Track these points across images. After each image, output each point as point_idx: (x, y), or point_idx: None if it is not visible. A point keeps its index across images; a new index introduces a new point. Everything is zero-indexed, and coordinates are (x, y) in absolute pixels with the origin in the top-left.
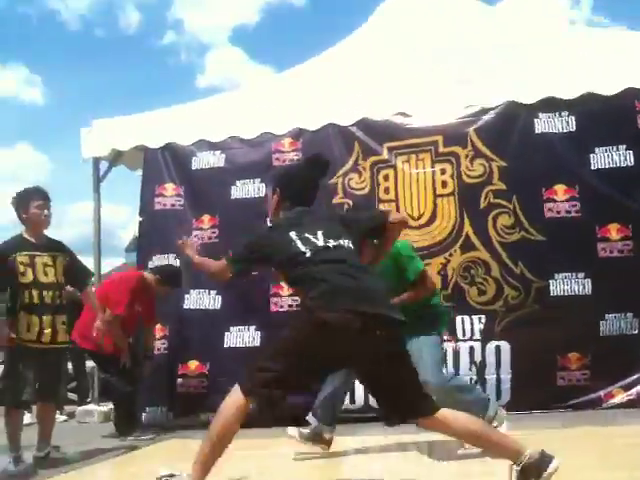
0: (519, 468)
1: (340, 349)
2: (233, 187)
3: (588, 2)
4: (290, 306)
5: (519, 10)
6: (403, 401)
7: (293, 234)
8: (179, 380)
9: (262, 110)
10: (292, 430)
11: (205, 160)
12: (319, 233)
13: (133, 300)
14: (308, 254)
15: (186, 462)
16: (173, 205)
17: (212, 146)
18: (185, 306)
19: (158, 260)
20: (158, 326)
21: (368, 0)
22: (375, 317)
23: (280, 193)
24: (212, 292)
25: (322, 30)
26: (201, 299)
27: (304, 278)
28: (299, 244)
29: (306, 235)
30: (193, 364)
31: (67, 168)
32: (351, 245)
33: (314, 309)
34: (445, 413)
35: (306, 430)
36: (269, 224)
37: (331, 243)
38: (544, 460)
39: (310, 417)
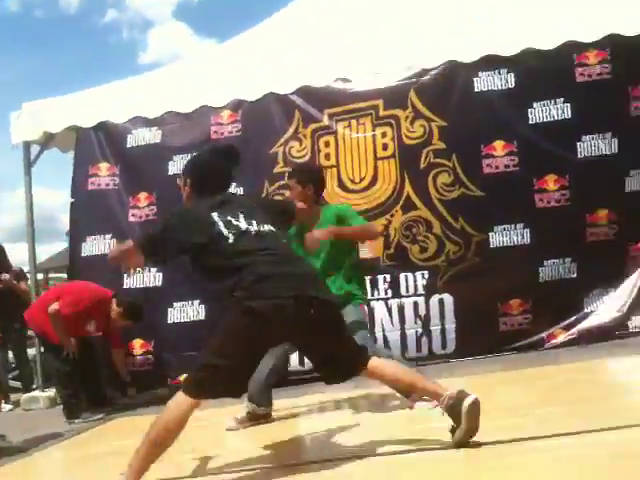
0: (443, 407)
1: (274, 333)
2: (170, 162)
3: None
4: None
5: None
6: (342, 363)
7: (215, 215)
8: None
9: (200, 83)
10: (229, 423)
11: (141, 137)
12: (241, 217)
13: (83, 311)
14: (231, 239)
15: (132, 439)
16: (107, 185)
17: (148, 122)
18: (125, 285)
19: (92, 241)
20: None
21: None
22: (306, 299)
23: (192, 183)
24: (152, 269)
25: (265, 0)
26: (141, 277)
27: (225, 268)
28: (221, 227)
29: (228, 218)
30: (138, 342)
31: (1, 155)
32: (273, 229)
33: (242, 300)
34: (375, 363)
35: (241, 415)
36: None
37: (253, 228)
38: (460, 397)
39: (247, 404)
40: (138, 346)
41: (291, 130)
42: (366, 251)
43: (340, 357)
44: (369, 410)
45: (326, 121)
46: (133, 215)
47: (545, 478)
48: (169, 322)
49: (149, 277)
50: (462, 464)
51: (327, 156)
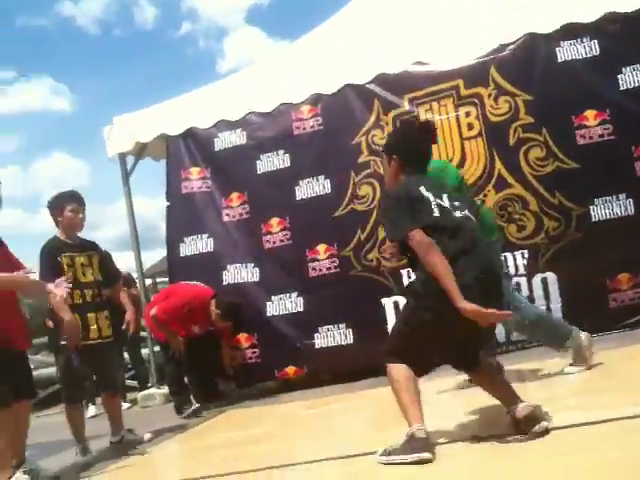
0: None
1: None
2: (258, 162)
3: None
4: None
5: None
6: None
7: (430, 196)
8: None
9: (277, 81)
10: None
11: (227, 140)
12: (446, 200)
13: (183, 315)
14: (445, 223)
15: (238, 432)
16: (200, 187)
17: (232, 125)
18: (224, 282)
19: (190, 242)
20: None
21: None
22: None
23: (401, 158)
24: (249, 265)
25: None
26: (239, 273)
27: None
28: (435, 210)
29: (439, 201)
30: (243, 336)
31: (102, 169)
32: (471, 215)
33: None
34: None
35: None
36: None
37: (459, 213)
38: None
39: None
40: (243, 340)
41: (372, 119)
42: None
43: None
44: None
45: (406, 106)
46: (227, 215)
47: None
48: (268, 315)
49: (247, 272)
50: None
51: None
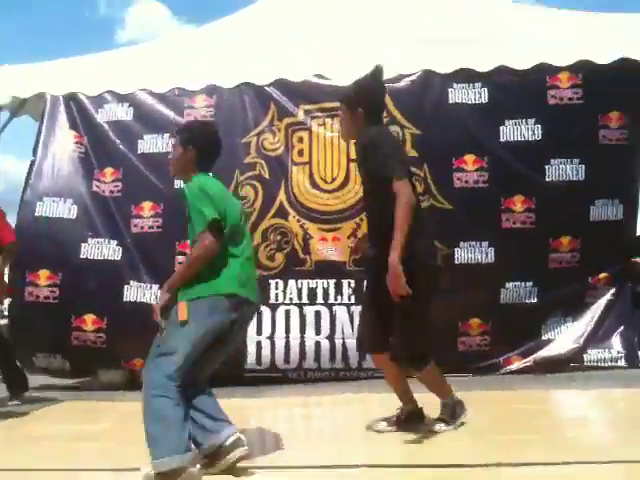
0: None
1: None
2: (140, 141)
3: None
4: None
5: None
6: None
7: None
8: (74, 333)
9: (176, 64)
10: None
11: (112, 112)
12: None
13: None
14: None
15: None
16: (73, 151)
17: (120, 98)
18: (82, 255)
19: (49, 203)
20: (47, 273)
21: None
22: None
23: (366, 108)
24: (112, 242)
25: None
26: (100, 249)
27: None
28: None
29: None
30: (90, 318)
31: None
32: None
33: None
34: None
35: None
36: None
37: None
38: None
39: None
40: (90, 322)
41: (266, 122)
42: (332, 252)
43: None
44: None
45: (301, 117)
46: (97, 187)
47: None
48: (125, 300)
49: (108, 249)
50: None
51: (300, 152)
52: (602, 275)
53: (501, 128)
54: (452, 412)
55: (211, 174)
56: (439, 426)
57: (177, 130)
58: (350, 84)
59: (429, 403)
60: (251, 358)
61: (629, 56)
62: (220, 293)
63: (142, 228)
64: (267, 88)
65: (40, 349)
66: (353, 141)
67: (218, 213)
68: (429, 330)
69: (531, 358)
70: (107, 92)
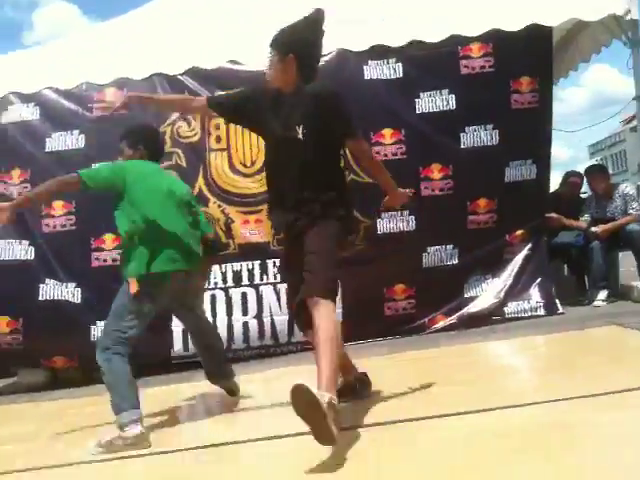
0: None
1: None
2: (48, 139)
3: None
4: (114, 260)
5: None
6: None
7: None
8: None
9: (84, 60)
10: None
11: (17, 113)
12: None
13: None
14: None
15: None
16: None
17: (25, 98)
18: None
19: None
20: None
21: None
22: None
23: (298, 59)
24: (24, 242)
25: None
26: (11, 249)
27: None
28: None
29: None
30: (4, 320)
31: None
32: None
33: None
34: None
35: None
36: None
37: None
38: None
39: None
40: (4, 324)
41: None
42: (255, 234)
43: None
44: None
45: None
46: (5, 189)
47: (432, 456)
48: (40, 299)
49: (20, 250)
50: (351, 443)
51: (218, 139)
52: (519, 232)
53: (416, 100)
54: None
55: None
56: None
57: (124, 134)
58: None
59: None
60: (178, 345)
61: (537, 22)
62: None
63: (54, 227)
64: (180, 77)
65: None
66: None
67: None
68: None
69: (455, 316)
70: (11, 93)
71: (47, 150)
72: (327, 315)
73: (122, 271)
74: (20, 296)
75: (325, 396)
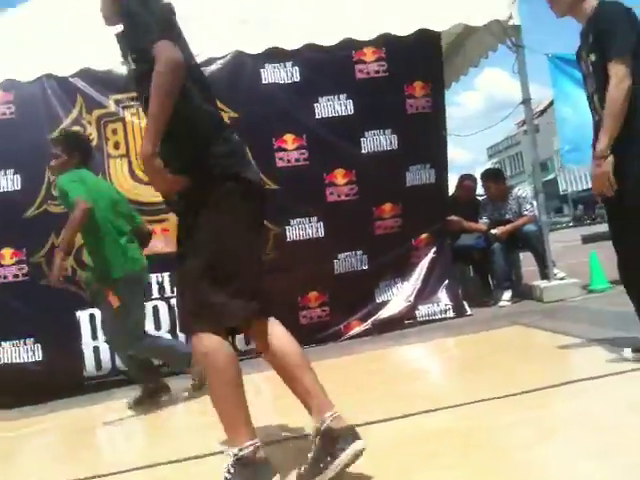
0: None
1: None
2: None
3: None
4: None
5: None
6: None
7: None
8: None
9: None
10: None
11: None
12: None
13: None
14: None
15: None
16: None
17: None
18: None
19: None
20: None
21: None
22: None
23: None
24: None
25: None
26: None
27: None
28: None
29: None
30: None
31: None
32: None
33: None
34: None
35: None
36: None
37: None
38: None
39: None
40: None
41: (73, 115)
42: (162, 244)
43: None
44: None
45: (112, 107)
46: None
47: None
48: None
49: None
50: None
51: (116, 145)
52: (423, 235)
53: (315, 105)
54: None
55: None
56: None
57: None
58: None
59: None
60: (90, 364)
61: (426, 27)
62: None
63: None
64: (71, 79)
65: None
66: None
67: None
68: None
69: (369, 321)
70: None
71: None
72: None
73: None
74: None
75: None
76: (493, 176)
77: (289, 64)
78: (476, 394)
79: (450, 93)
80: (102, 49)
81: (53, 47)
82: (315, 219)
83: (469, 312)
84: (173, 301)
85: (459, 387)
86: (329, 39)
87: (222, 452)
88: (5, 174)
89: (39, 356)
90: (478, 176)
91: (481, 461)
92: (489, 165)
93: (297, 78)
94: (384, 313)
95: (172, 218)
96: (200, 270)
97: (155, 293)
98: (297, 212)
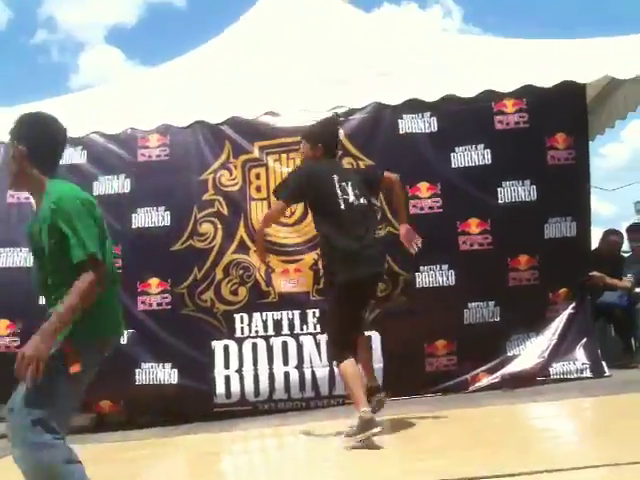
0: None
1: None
2: (95, 182)
3: (459, 12)
4: None
5: (392, 17)
6: None
7: (335, 177)
8: None
9: (128, 106)
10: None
11: (66, 155)
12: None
13: None
14: (342, 206)
15: None
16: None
17: (74, 142)
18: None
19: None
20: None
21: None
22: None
23: (313, 144)
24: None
25: (200, 30)
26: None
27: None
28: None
29: (343, 184)
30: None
31: None
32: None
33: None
34: None
35: None
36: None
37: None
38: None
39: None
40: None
41: (221, 159)
42: (295, 283)
43: None
44: None
45: (257, 153)
46: None
47: None
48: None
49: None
50: None
51: (258, 188)
52: (562, 290)
53: (452, 155)
54: (359, 427)
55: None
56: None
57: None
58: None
59: None
60: (220, 392)
61: (570, 79)
62: None
63: None
64: (221, 126)
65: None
66: None
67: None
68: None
69: (498, 374)
70: None
71: (95, 194)
72: None
73: None
74: None
75: None
76: None
77: (427, 114)
78: (602, 458)
79: (594, 144)
80: (248, 99)
81: (205, 94)
82: (446, 267)
83: (607, 373)
84: (302, 338)
85: (585, 449)
86: (469, 90)
87: None
88: (157, 210)
89: (175, 380)
90: (623, 231)
91: None
92: (636, 220)
93: (435, 128)
94: (515, 367)
95: (306, 258)
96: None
97: (285, 329)
98: (428, 259)
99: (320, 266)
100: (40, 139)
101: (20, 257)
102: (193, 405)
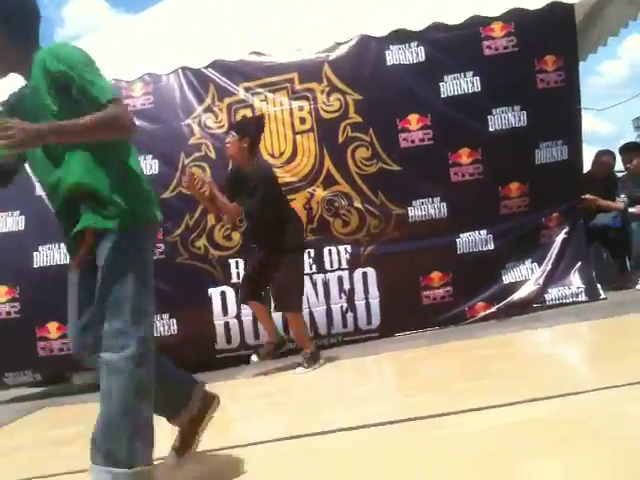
0: None
1: None
2: None
3: None
4: None
5: None
6: None
7: None
8: (40, 343)
9: (112, 56)
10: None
11: None
12: None
13: None
14: None
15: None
16: None
17: None
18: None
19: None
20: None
21: None
22: None
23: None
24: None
25: None
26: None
27: None
28: None
29: None
30: (53, 326)
31: None
32: None
33: None
34: None
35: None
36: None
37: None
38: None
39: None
40: (54, 330)
41: (206, 103)
42: None
43: None
44: None
45: (242, 95)
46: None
47: (454, 454)
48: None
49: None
50: (376, 440)
51: None
52: (554, 215)
53: (441, 84)
54: (310, 358)
55: None
56: (300, 369)
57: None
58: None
59: None
60: (220, 339)
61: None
62: None
63: None
64: (204, 70)
65: (8, 369)
66: (298, 111)
67: None
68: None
69: (495, 304)
70: None
71: None
72: None
73: None
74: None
75: None
76: (634, 149)
77: (414, 44)
78: (604, 381)
79: (590, 62)
80: (233, 42)
81: (189, 41)
82: (438, 199)
83: (603, 296)
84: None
85: (584, 373)
86: (455, 17)
87: None
88: (145, 159)
89: (174, 330)
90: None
91: (598, 448)
92: (635, 138)
93: (422, 58)
94: (511, 295)
95: (298, 197)
96: None
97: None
98: (420, 192)
99: (312, 205)
100: (14, 10)
101: (14, 220)
102: (195, 354)
